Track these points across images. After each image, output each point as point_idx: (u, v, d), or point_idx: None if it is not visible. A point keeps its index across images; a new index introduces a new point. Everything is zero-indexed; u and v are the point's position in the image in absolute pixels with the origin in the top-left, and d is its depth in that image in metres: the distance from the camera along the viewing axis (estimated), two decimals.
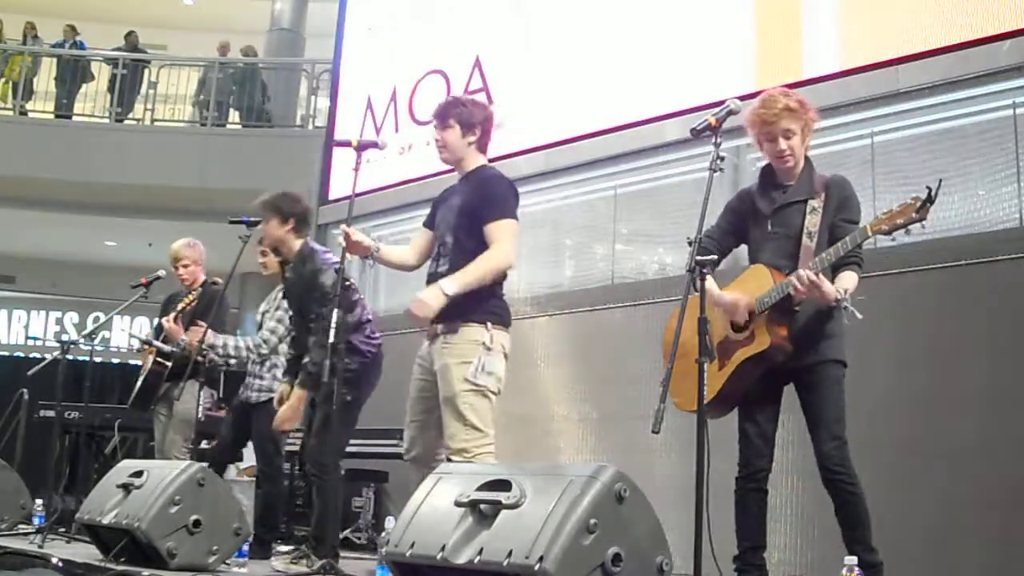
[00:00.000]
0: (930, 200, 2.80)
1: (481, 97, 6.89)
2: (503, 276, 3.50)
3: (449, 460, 3.41)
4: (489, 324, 3.43)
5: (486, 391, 3.40)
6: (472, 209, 3.49)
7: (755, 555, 3.15)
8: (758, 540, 3.16)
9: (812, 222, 3.14)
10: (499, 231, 3.44)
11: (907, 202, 2.86)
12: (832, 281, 3.03)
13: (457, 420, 3.38)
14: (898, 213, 2.87)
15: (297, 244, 4.48)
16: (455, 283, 3.37)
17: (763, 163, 3.37)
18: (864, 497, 3.01)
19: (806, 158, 3.28)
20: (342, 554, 4.05)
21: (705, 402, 2.97)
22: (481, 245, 3.46)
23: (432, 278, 3.53)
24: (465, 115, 3.60)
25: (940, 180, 2.82)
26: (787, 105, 3.17)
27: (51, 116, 11.72)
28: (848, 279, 3.06)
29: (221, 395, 6.41)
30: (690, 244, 2.97)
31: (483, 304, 3.44)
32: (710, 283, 3.09)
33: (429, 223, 3.71)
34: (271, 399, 4.64)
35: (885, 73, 4.85)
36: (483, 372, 3.39)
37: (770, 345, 3.09)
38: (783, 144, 3.18)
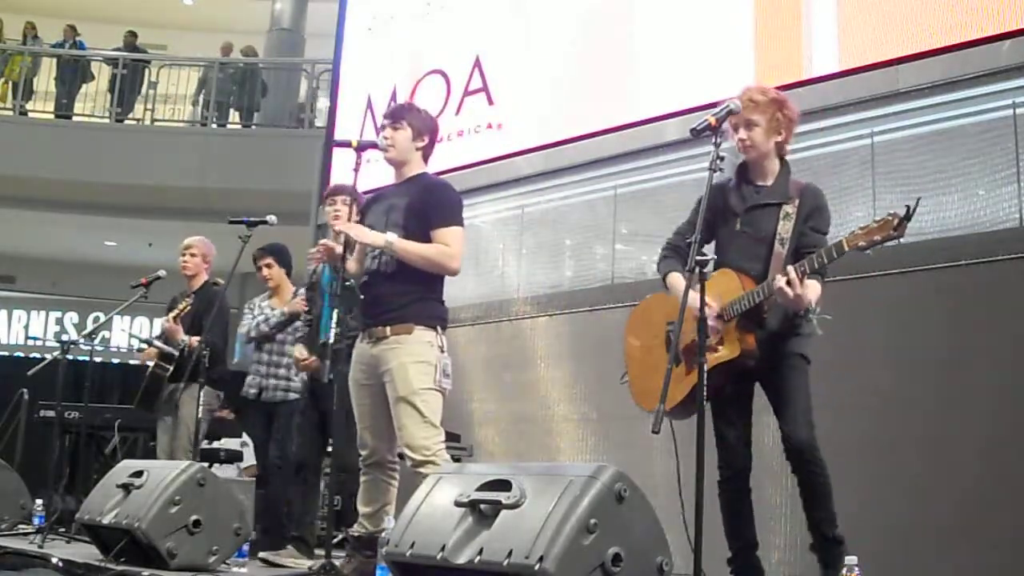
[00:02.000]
0: (907, 218, 2.81)
1: (480, 98, 6.91)
2: (443, 275, 3.61)
3: (401, 458, 3.53)
4: (439, 328, 3.57)
5: (444, 391, 3.53)
6: (420, 211, 3.58)
7: (750, 555, 3.15)
8: (751, 539, 3.17)
9: (785, 228, 3.16)
10: (450, 237, 3.55)
11: (885, 218, 2.87)
12: None
13: (415, 418, 3.44)
14: (876, 229, 2.88)
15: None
16: (400, 240, 3.50)
17: (740, 160, 3.37)
18: (829, 480, 3.06)
19: (783, 162, 3.29)
20: (342, 553, 4.05)
21: (671, 405, 2.99)
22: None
23: (373, 276, 3.60)
24: (418, 121, 3.73)
25: (918, 199, 2.83)
26: (751, 97, 3.21)
27: (51, 116, 11.73)
28: (813, 289, 3.06)
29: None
30: (689, 244, 2.97)
31: (435, 309, 3.59)
32: (677, 280, 3.20)
33: None
34: (296, 398, 4.82)
35: (885, 73, 4.85)
36: (444, 375, 3.52)
37: (740, 353, 3.12)
38: (743, 133, 3.21)
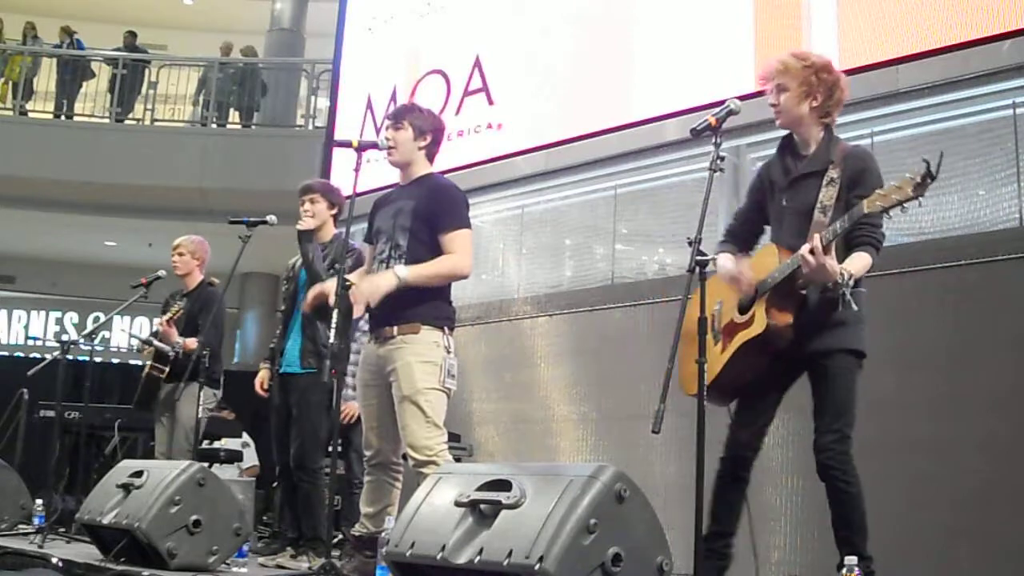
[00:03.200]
0: (930, 176, 2.63)
1: (480, 98, 6.91)
2: (454, 281, 3.62)
3: (405, 459, 3.51)
4: (446, 328, 3.54)
5: (449, 392, 3.52)
6: (429, 214, 3.56)
7: (718, 541, 3.02)
8: (726, 528, 3.03)
9: (828, 195, 2.94)
10: (458, 241, 3.54)
11: (906, 177, 2.70)
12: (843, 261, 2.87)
13: (419, 417, 3.43)
14: (896, 188, 2.70)
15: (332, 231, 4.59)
16: (410, 271, 3.46)
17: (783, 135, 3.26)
18: (860, 499, 2.89)
19: (828, 128, 3.14)
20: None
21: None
22: (435, 251, 3.54)
23: None
24: (419, 121, 3.71)
25: (941, 153, 2.63)
26: (783, 61, 3.12)
27: (51, 116, 11.73)
28: (855, 261, 2.88)
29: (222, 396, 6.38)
30: (690, 244, 2.94)
31: (442, 309, 3.57)
32: (724, 259, 3.09)
33: (372, 238, 3.75)
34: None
35: (885, 73, 4.85)
36: (449, 376, 3.50)
37: (766, 329, 2.94)
38: (772, 98, 3.11)
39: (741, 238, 3.29)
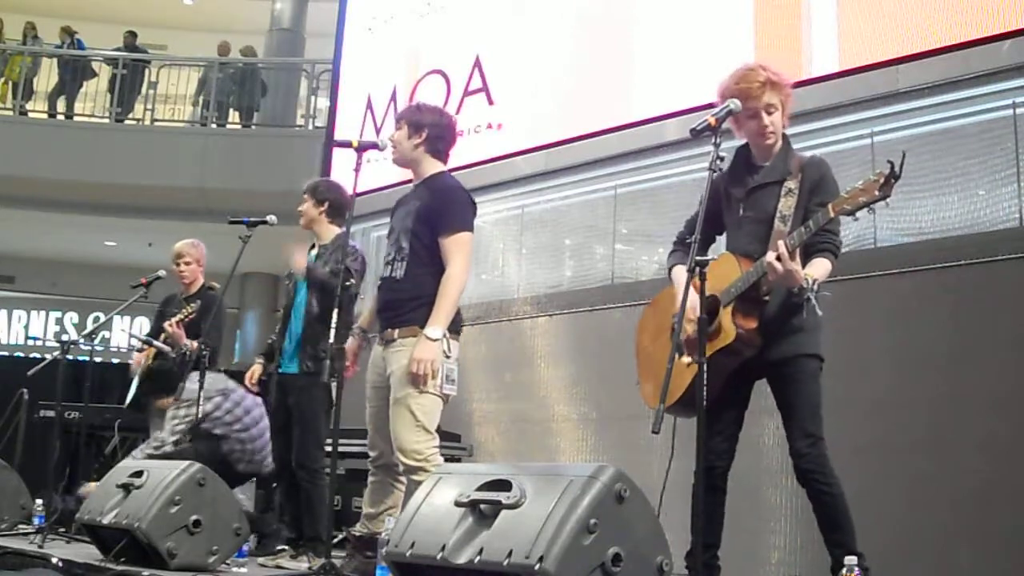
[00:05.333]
0: (894, 176, 2.66)
1: (480, 98, 6.90)
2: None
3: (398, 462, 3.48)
4: (447, 332, 3.49)
5: (446, 398, 3.50)
6: (430, 216, 3.54)
7: (705, 553, 2.97)
8: (709, 539, 2.99)
9: (787, 205, 2.99)
10: (454, 246, 3.51)
11: (870, 178, 2.72)
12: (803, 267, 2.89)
13: (407, 421, 3.41)
14: (861, 191, 2.73)
15: (331, 231, 4.52)
16: (437, 327, 3.42)
17: (738, 144, 3.24)
18: (842, 498, 2.89)
19: (785, 139, 3.16)
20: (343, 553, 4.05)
21: (673, 400, 2.92)
22: (436, 254, 3.52)
23: (386, 282, 3.59)
24: (415, 117, 3.67)
25: (904, 153, 2.67)
26: (768, 78, 3.08)
27: (50, 116, 11.73)
28: (818, 267, 2.91)
29: None
30: (687, 244, 2.93)
31: None
32: (680, 271, 3.05)
33: (388, 237, 3.76)
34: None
35: (885, 73, 4.85)
36: (448, 381, 3.46)
37: (735, 338, 2.96)
38: (766, 120, 3.08)
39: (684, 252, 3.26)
